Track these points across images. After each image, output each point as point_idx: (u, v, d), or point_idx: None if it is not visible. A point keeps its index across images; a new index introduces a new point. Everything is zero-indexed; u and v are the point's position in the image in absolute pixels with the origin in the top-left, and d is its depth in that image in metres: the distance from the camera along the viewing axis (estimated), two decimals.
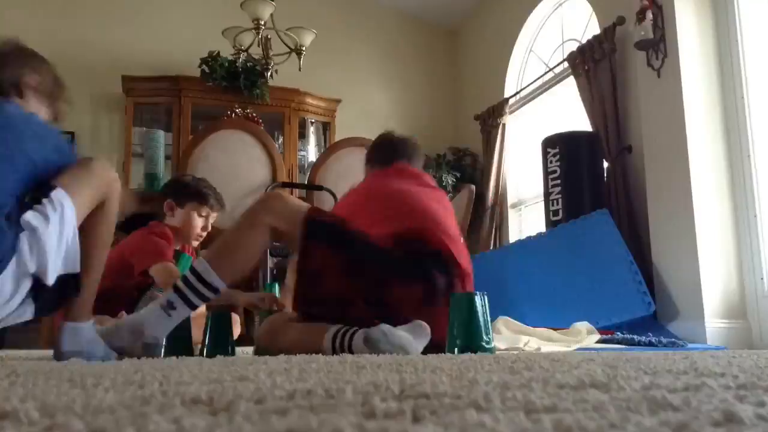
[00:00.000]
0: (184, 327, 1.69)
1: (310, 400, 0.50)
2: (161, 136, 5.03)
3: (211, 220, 2.48)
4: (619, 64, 3.94)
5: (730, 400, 0.49)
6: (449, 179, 5.43)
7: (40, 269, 1.32)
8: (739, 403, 0.48)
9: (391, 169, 2.10)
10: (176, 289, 1.59)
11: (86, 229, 1.45)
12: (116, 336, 1.54)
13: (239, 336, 2.23)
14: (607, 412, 0.43)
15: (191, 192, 2.44)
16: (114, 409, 0.45)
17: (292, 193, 4.45)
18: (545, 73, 4.86)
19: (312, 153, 5.65)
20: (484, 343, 1.56)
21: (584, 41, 4.21)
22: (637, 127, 3.75)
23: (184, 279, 1.61)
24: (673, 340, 2.75)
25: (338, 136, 5.30)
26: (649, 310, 3.13)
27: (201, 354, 1.77)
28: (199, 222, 2.42)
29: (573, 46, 4.40)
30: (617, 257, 3.37)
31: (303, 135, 5.63)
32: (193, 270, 1.60)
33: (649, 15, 3.45)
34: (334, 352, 1.53)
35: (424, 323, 1.58)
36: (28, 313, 1.38)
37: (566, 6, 4.89)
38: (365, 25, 6.10)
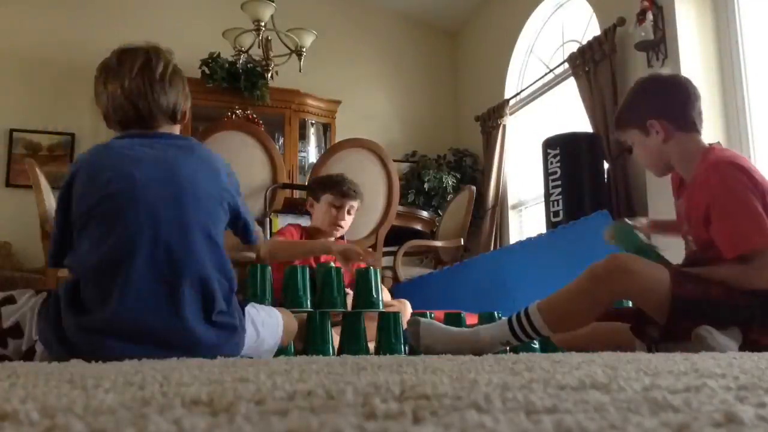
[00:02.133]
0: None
1: (311, 401, 0.50)
2: None
3: (351, 211, 2.53)
4: (619, 65, 3.94)
5: (730, 401, 0.49)
6: (450, 180, 5.43)
7: None
8: (739, 404, 0.48)
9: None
10: (510, 326, 1.64)
11: None
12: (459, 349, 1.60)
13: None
14: (607, 413, 0.43)
15: (324, 184, 2.53)
16: (114, 410, 0.45)
17: (292, 194, 4.45)
18: (546, 74, 4.86)
19: (312, 154, 5.65)
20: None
21: (584, 42, 4.21)
22: None
23: (518, 318, 1.64)
24: None
25: (338, 137, 5.31)
26: None
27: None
28: (332, 211, 2.48)
29: (573, 47, 4.40)
30: None
31: (303, 136, 5.64)
32: (526, 312, 1.64)
33: (650, 16, 3.45)
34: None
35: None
36: None
37: (566, 7, 4.89)
38: (366, 27, 6.10)
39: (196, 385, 0.63)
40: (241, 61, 4.58)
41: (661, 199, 3.44)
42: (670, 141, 1.80)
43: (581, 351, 1.75)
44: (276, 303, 1.85)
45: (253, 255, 2.09)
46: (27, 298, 1.45)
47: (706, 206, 1.68)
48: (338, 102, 5.70)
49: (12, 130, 5.04)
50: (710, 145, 1.81)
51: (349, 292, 2.05)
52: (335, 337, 1.93)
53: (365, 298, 1.95)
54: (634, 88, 1.89)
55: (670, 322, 1.58)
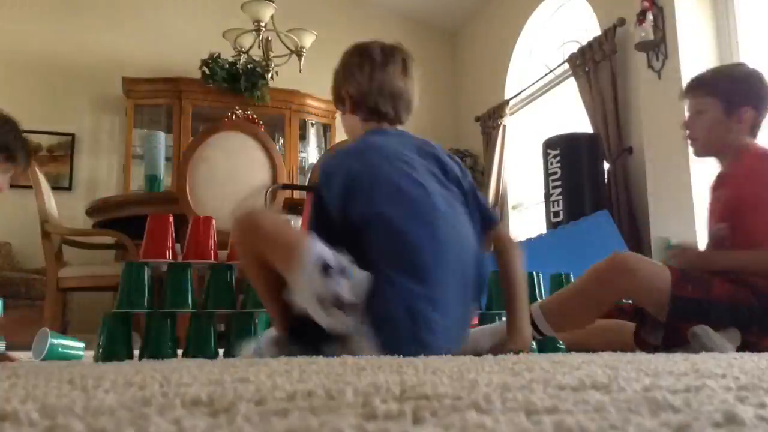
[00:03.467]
0: None
1: (311, 401, 0.50)
2: (162, 138, 5.03)
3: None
4: (619, 65, 3.94)
5: (731, 402, 0.49)
6: None
7: None
8: (740, 404, 0.48)
9: None
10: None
11: None
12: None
13: None
14: (608, 413, 0.43)
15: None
16: (114, 411, 0.45)
17: (292, 195, 4.45)
18: (546, 74, 4.86)
19: (313, 154, 5.65)
20: None
21: (585, 42, 4.21)
22: (638, 129, 3.75)
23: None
24: None
25: (339, 138, 5.31)
26: None
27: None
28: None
29: (573, 48, 4.40)
30: None
31: (303, 136, 5.63)
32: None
33: (650, 16, 3.45)
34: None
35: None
36: None
37: (567, 7, 4.89)
38: (366, 27, 6.10)
39: (196, 386, 0.63)
40: (241, 62, 4.58)
41: (661, 199, 3.44)
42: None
43: (583, 348, 1.76)
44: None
45: None
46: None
47: (732, 198, 1.71)
48: None
49: None
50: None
51: None
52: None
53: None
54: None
55: (669, 323, 1.58)
